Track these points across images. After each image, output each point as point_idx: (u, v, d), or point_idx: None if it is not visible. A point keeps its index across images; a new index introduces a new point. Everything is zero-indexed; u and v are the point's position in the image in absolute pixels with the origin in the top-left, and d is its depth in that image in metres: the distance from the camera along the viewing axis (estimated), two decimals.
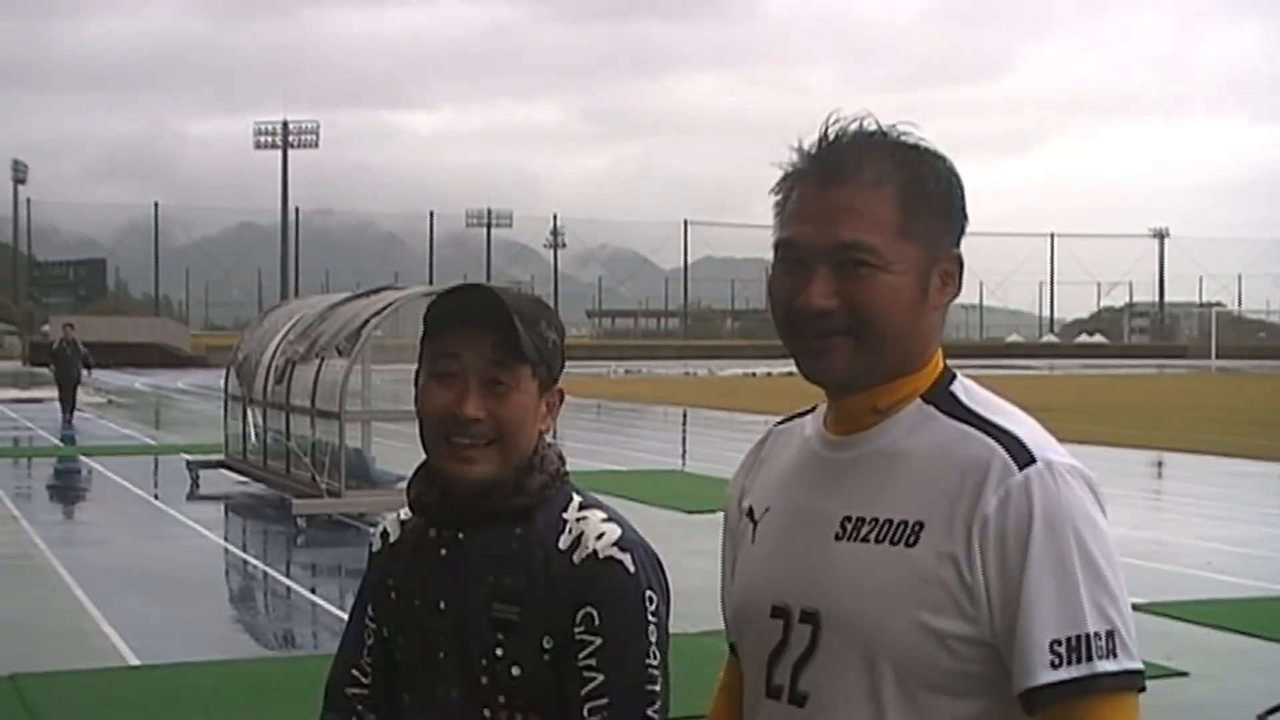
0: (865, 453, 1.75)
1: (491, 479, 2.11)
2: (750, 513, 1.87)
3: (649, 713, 2.08)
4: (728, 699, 2.02)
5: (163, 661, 8.30)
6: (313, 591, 11.07)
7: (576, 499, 2.16)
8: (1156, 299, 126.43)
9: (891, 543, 1.66)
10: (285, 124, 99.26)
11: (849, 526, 1.70)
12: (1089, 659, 1.59)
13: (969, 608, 1.62)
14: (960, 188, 1.75)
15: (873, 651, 1.65)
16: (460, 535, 2.15)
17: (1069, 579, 1.60)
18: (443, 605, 2.15)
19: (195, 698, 7.54)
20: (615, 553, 2.08)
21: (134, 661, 8.34)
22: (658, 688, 2.09)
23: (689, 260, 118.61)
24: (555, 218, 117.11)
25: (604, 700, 2.07)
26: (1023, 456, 1.63)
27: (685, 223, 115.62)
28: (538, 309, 2.16)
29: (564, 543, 2.10)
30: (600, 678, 2.07)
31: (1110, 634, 1.60)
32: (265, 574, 12.00)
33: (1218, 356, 78.94)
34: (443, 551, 2.16)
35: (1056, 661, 1.59)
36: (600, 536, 2.10)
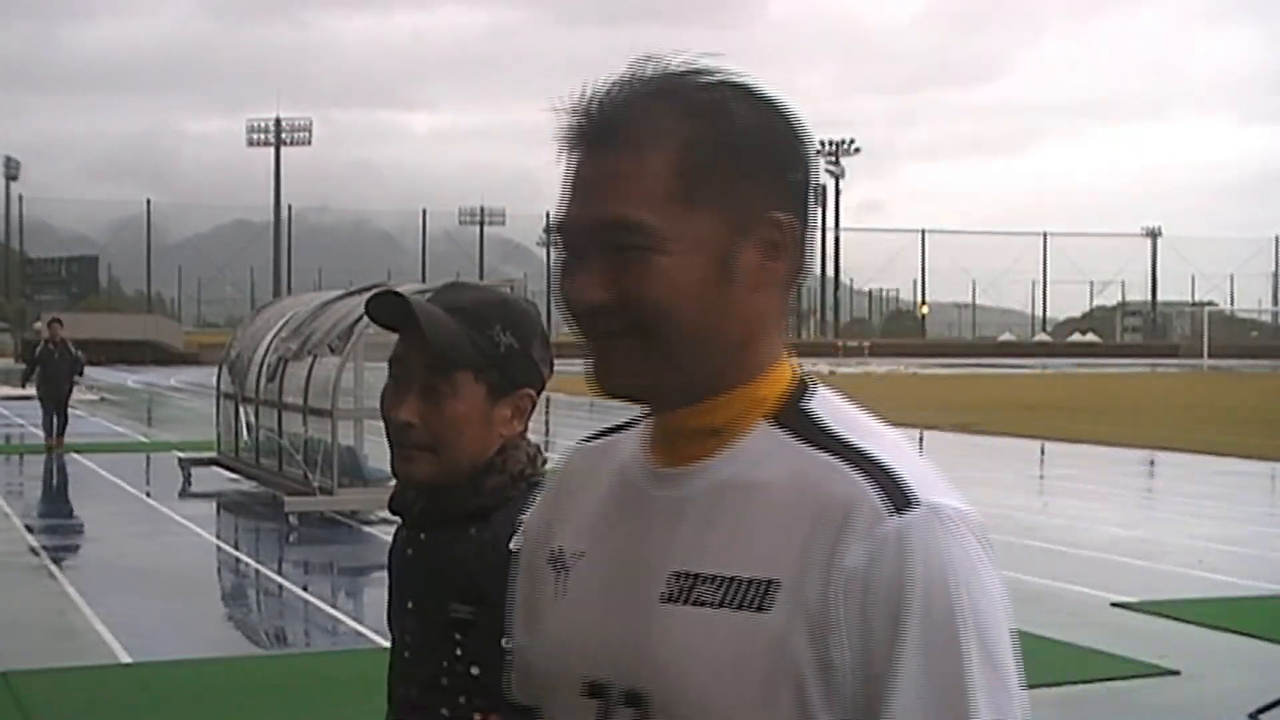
0: (701, 489, 1.35)
1: (430, 480, 2.10)
2: (558, 557, 1.46)
3: None
4: None
5: (155, 659, 8.29)
6: (305, 589, 11.06)
7: None
8: (1149, 298, 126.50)
9: (735, 607, 1.28)
10: (278, 121, 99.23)
11: (680, 585, 1.32)
12: None
13: (831, 689, 1.25)
14: (790, 135, 1.37)
15: None
16: (422, 536, 2.17)
17: (954, 660, 1.23)
18: (410, 605, 2.17)
19: (187, 695, 7.53)
20: None
21: (126, 659, 8.32)
22: None
23: None
24: (548, 215, 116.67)
25: None
26: (899, 498, 1.26)
27: None
28: (495, 311, 2.11)
29: None
30: None
31: None
32: (257, 572, 11.99)
33: (1210, 356, 78.96)
34: (409, 551, 2.19)
35: None
36: None
